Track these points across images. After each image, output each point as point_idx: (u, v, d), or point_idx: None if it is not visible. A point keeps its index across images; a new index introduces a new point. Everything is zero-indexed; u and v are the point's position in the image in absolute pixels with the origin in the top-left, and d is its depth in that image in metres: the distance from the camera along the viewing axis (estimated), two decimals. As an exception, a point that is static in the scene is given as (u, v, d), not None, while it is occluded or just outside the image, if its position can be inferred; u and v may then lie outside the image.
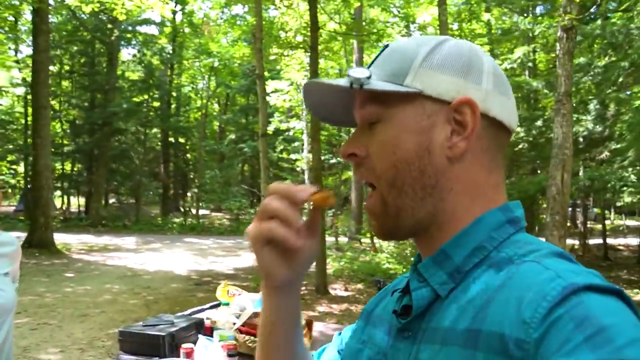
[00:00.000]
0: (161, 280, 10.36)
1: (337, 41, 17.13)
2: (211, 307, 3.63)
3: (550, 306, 0.54)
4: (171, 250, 15.20)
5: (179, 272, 11.42)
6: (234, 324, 2.93)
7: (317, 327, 3.26)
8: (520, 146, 14.47)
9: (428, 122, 0.70)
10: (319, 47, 11.44)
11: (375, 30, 14.16)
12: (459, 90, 0.70)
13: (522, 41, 14.26)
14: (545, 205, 8.87)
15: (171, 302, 8.26)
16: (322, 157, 12.57)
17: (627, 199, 15.27)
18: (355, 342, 0.84)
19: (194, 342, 2.72)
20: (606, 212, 19.07)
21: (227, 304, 3.03)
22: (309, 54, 11.33)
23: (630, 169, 12.48)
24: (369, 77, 0.70)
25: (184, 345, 2.52)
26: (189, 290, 9.39)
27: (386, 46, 0.77)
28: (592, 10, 9.92)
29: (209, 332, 2.93)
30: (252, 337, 2.80)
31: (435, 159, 0.70)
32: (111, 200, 27.83)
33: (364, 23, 15.55)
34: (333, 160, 20.93)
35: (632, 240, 19.31)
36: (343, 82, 0.71)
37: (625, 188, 13.57)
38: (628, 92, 12.74)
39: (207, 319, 3.05)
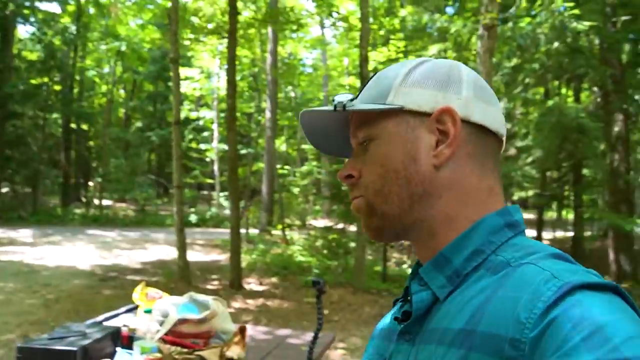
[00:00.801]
0: (62, 276, 9.58)
1: (254, 28, 16.75)
2: (127, 312, 3.28)
3: (546, 306, 0.54)
4: (72, 244, 14.21)
5: (81, 267, 10.64)
6: (157, 332, 2.61)
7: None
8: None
9: (412, 135, 0.74)
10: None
11: (294, 19, 13.89)
12: (438, 101, 0.74)
13: (436, 39, 14.53)
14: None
15: (74, 301, 7.63)
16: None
17: (523, 193, 16.22)
18: None
19: (111, 356, 2.40)
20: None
21: (150, 311, 2.69)
22: (224, 40, 10.93)
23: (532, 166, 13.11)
24: (351, 100, 0.76)
25: (102, 362, 2.18)
26: (94, 287, 8.73)
27: (374, 74, 0.81)
28: (511, 11, 10.16)
29: (127, 342, 2.59)
30: (178, 348, 2.50)
31: (421, 168, 0.73)
32: (4, 190, 25.87)
33: (282, 11, 15.27)
34: (244, 151, 20.60)
35: (530, 232, 20.33)
36: (328, 108, 0.77)
37: (526, 184, 14.32)
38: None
39: (124, 326, 2.70)
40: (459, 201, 0.73)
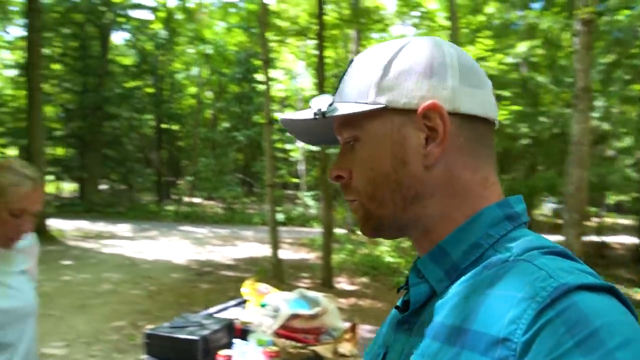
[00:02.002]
0: (161, 269, 10.14)
1: (339, 29, 16.90)
2: (236, 305, 3.44)
3: (540, 308, 0.53)
4: (168, 239, 14.96)
5: (177, 261, 11.21)
6: (271, 325, 2.75)
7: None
8: (522, 142, 14.36)
9: (399, 135, 0.71)
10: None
11: (379, 18, 13.91)
12: (423, 95, 0.70)
13: (524, 35, 14.12)
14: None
15: (175, 294, 8.07)
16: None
17: (623, 197, 15.35)
18: (370, 348, 0.85)
19: (228, 347, 2.54)
20: (597, 209, 19.08)
21: (265, 305, 2.85)
22: (309, 41, 11.11)
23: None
24: (331, 104, 0.73)
25: (222, 352, 2.32)
26: (192, 281, 9.19)
27: (351, 62, 0.77)
28: (607, 3, 9.75)
29: (241, 334, 2.75)
30: (292, 342, 2.63)
31: (411, 169, 0.70)
32: (104, 187, 27.47)
33: (367, 11, 15.32)
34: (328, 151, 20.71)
35: (626, 239, 19.31)
36: (308, 114, 0.74)
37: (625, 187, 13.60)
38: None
39: (237, 319, 2.86)
40: (453, 198, 0.71)
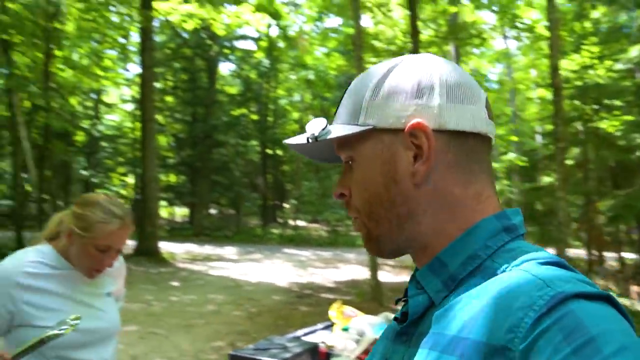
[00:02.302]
0: (263, 291, 10.33)
1: (435, 46, 16.68)
2: (324, 328, 3.39)
3: (537, 316, 0.54)
4: (271, 261, 15.27)
5: (280, 283, 11.37)
6: (353, 350, 2.66)
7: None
8: (638, 154, 13.28)
9: (389, 154, 0.73)
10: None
11: (476, 33, 13.55)
12: (410, 114, 0.71)
13: (636, 39, 13.14)
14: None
15: (274, 316, 8.15)
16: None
17: None
18: None
19: (310, 370, 2.48)
20: None
21: (347, 329, 2.77)
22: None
23: None
24: (324, 128, 0.75)
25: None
26: (292, 303, 9.26)
27: (348, 85, 0.80)
28: None
29: (325, 358, 2.68)
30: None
31: (402, 187, 0.72)
32: (213, 211, 28.65)
33: (463, 27, 15.00)
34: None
35: None
36: (302, 139, 0.77)
37: None
38: None
39: (322, 342, 2.80)
40: (445, 213, 0.72)
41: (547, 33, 10.05)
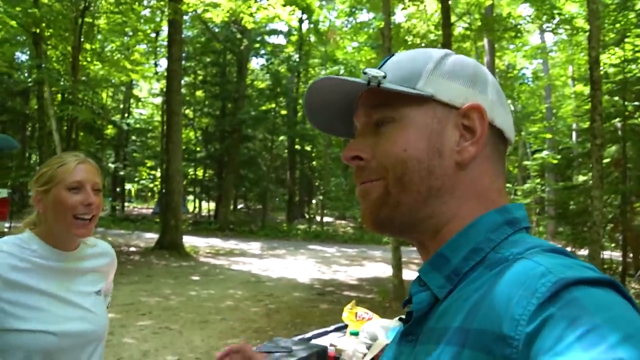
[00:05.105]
0: (284, 288, 10.11)
1: (469, 40, 16.25)
2: (336, 330, 3.15)
3: (540, 302, 0.53)
4: (295, 257, 15.08)
5: (302, 280, 11.15)
6: (364, 355, 2.42)
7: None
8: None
9: (438, 126, 0.72)
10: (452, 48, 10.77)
11: (511, 26, 13.08)
12: (467, 97, 0.72)
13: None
14: None
15: (293, 313, 7.91)
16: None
17: None
18: None
19: (316, 375, 2.26)
20: None
21: (356, 334, 2.52)
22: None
23: None
24: (384, 77, 0.72)
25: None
26: (312, 300, 9.01)
27: (391, 55, 0.79)
28: None
29: (333, 362, 2.45)
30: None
31: (444, 162, 0.71)
32: (239, 206, 28.66)
33: (497, 19, 14.52)
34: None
35: None
36: (360, 80, 0.72)
37: None
38: None
39: (331, 345, 2.56)
40: (470, 200, 0.72)
41: (586, 26, 9.59)
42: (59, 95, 20.68)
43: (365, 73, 0.71)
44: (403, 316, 0.77)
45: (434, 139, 0.71)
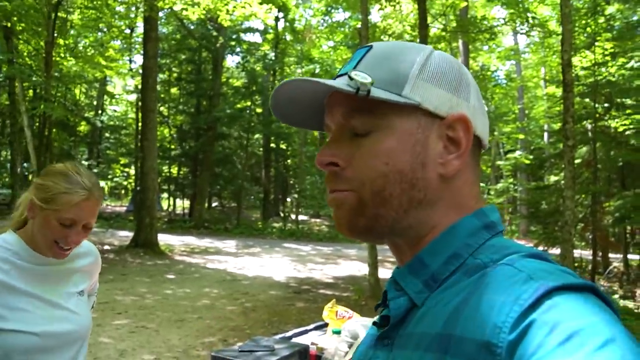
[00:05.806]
0: (260, 286, 10.11)
1: (444, 41, 16.41)
2: (316, 328, 3.18)
3: (522, 310, 0.53)
4: (270, 255, 15.08)
5: (277, 278, 11.16)
6: (345, 354, 2.45)
7: None
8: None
9: (422, 136, 0.69)
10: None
11: (486, 28, 13.26)
12: (452, 105, 0.70)
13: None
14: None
15: (270, 311, 7.93)
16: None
17: None
18: None
19: (297, 375, 2.28)
20: None
21: (338, 332, 2.55)
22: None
23: None
24: (372, 84, 0.67)
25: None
26: (288, 299, 9.03)
27: (369, 47, 0.74)
28: None
29: (314, 361, 2.47)
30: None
31: (427, 174, 0.69)
32: (214, 204, 28.50)
33: (472, 21, 14.71)
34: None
35: None
36: (345, 85, 0.67)
37: None
38: None
39: (312, 344, 2.58)
40: (452, 209, 0.71)
41: (558, 29, 9.77)
42: (31, 91, 20.33)
43: (351, 79, 0.66)
44: (376, 319, 0.75)
45: (418, 150, 0.69)
